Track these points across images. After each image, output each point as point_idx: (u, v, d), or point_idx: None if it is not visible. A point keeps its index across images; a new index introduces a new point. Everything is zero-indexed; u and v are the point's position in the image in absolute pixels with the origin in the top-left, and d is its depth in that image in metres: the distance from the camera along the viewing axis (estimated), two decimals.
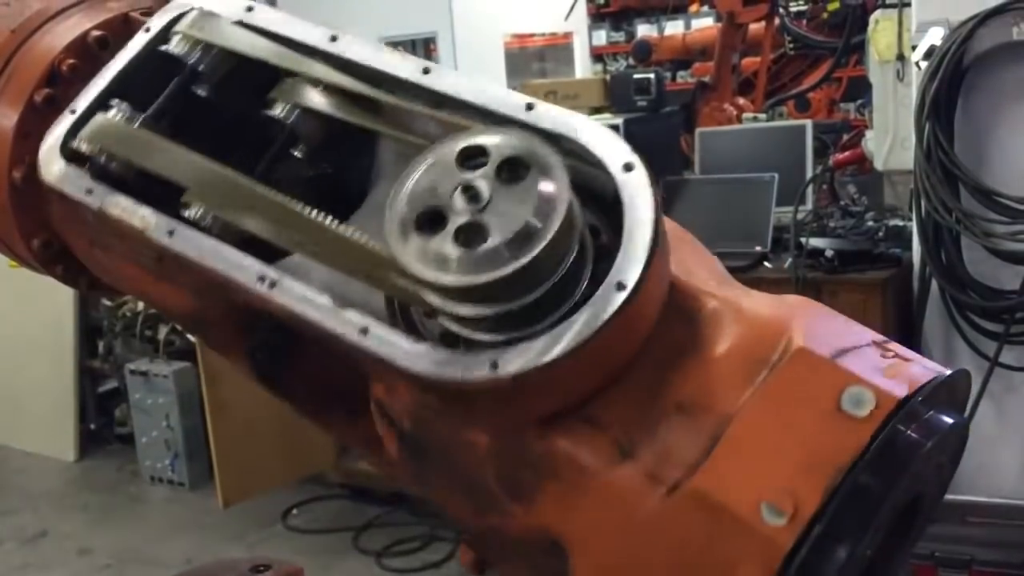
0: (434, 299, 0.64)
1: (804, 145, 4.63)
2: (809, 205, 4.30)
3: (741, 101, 6.82)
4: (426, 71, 0.75)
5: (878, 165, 4.01)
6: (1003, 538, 3.28)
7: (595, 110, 6.37)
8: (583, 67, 11.94)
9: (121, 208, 0.79)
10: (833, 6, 7.04)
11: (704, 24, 10.40)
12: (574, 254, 0.64)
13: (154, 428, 5.39)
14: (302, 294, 0.70)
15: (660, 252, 0.64)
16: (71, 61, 0.90)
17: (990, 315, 3.48)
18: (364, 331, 0.67)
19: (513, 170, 0.64)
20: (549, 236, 0.61)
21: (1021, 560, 3.15)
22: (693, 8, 11.30)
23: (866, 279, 3.81)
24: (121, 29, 0.93)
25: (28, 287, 5.55)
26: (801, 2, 7.88)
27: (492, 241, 0.61)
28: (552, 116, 0.70)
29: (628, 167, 0.66)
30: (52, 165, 0.84)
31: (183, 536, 4.85)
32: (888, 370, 0.62)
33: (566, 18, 9.53)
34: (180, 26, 0.84)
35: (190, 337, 4.78)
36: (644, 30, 11.58)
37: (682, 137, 5.97)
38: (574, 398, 0.66)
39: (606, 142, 0.68)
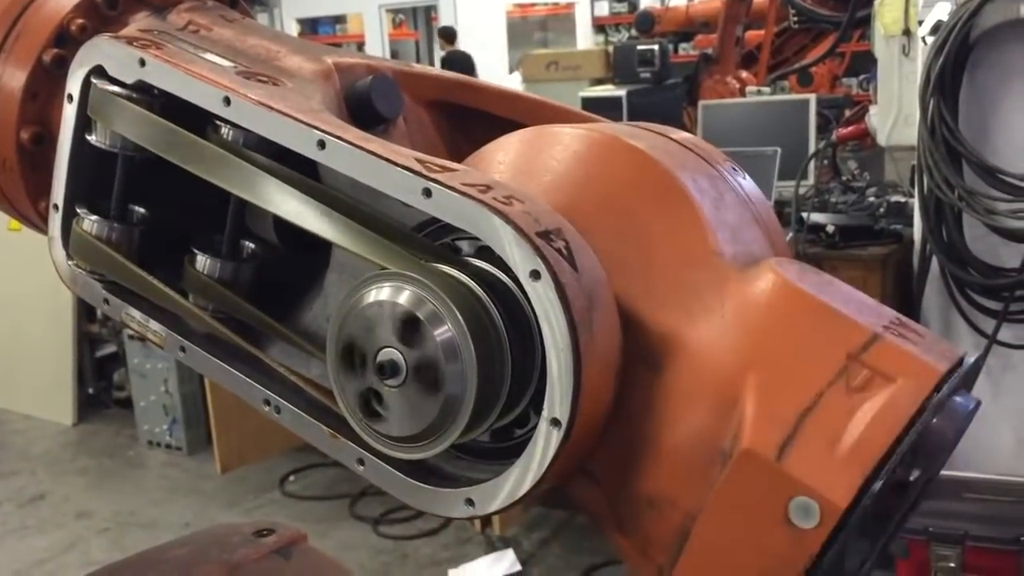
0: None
1: (807, 120, 4.61)
2: (811, 180, 4.30)
3: (744, 74, 6.79)
4: (322, 145, 0.70)
5: (881, 141, 3.99)
6: (997, 514, 3.30)
7: (597, 81, 6.34)
8: (585, 37, 11.87)
9: (136, 322, 0.84)
10: None
11: None
12: (507, 385, 0.65)
13: (152, 393, 5.40)
14: (301, 420, 0.75)
15: (590, 354, 0.62)
16: (80, 21, 0.89)
17: (990, 293, 3.48)
18: (360, 462, 0.72)
19: (416, 334, 0.64)
20: (472, 401, 0.63)
21: (1015, 536, 3.17)
22: None
23: (867, 255, 3.81)
24: None
25: (27, 251, 5.54)
26: None
27: (423, 421, 0.65)
28: (453, 205, 0.65)
29: (535, 275, 0.62)
30: (67, 273, 0.87)
31: (181, 500, 4.88)
32: (847, 439, 0.60)
33: None
34: (91, 107, 0.83)
35: None
36: (647, 1, 11.50)
37: (685, 110, 5.95)
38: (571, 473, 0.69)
39: (510, 243, 0.62)
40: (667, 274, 0.69)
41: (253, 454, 5.10)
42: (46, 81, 0.89)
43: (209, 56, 0.82)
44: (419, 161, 0.68)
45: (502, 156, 0.78)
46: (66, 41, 0.88)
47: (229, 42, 0.87)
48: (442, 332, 0.63)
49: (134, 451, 5.52)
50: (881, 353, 0.63)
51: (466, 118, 0.97)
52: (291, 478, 4.95)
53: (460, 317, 0.63)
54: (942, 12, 3.37)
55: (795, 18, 7.76)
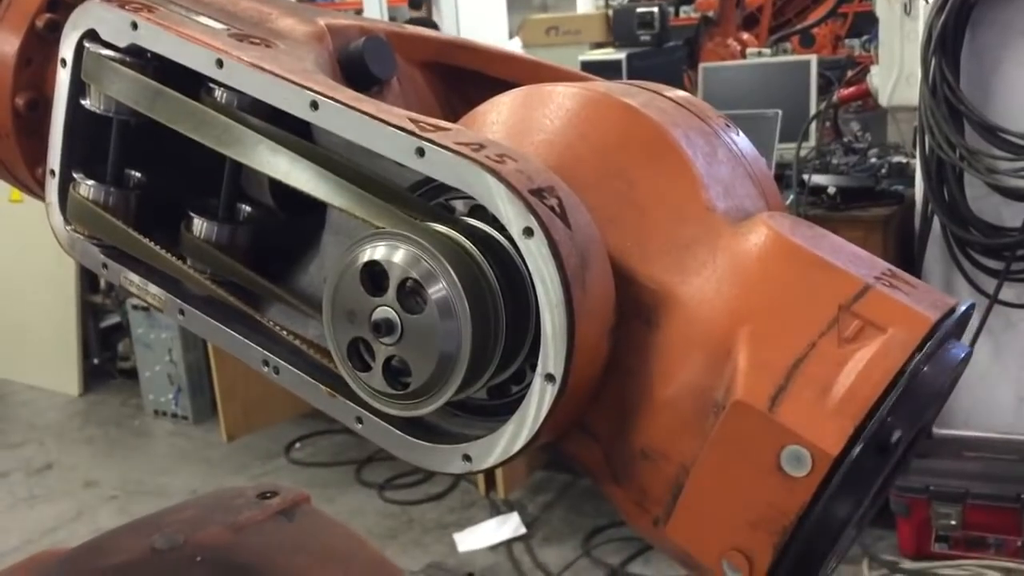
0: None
1: (808, 81, 4.58)
2: (812, 142, 4.28)
3: (745, 36, 6.74)
4: (314, 105, 0.70)
5: (883, 101, 3.98)
6: (997, 472, 3.32)
7: (597, 45, 6.30)
8: (585, 1, 11.77)
9: (136, 286, 0.84)
10: None
11: None
12: (502, 342, 0.66)
13: (157, 363, 5.43)
14: (300, 380, 0.75)
15: (583, 310, 0.63)
16: None
17: (991, 252, 3.48)
18: (359, 420, 0.72)
19: (412, 293, 0.65)
20: (467, 358, 0.64)
21: (1015, 493, 3.19)
22: None
23: (868, 216, 3.81)
24: None
25: (29, 222, 5.53)
26: None
27: (417, 379, 0.65)
28: (446, 164, 0.65)
29: (528, 232, 0.62)
30: (65, 238, 0.87)
31: (187, 469, 4.92)
32: (838, 389, 0.61)
33: None
34: (84, 71, 0.82)
35: None
36: None
37: (685, 73, 5.91)
38: (567, 428, 0.70)
39: (503, 201, 0.63)
40: (660, 230, 0.70)
41: (258, 422, 5.14)
42: (40, 46, 0.89)
43: (201, 19, 0.82)
44: (412, 120, 0.68)
45: (495, 116, 0.78)
46: (59, 6, 0.89)
47: (221, 5, 0.87)
48: (437, 290, 0.64)
49: (140, 420, 5.56)
50: (872, 303, 0.63)
51: (461, 79, 0.97)
52: (297, 445, 4.99)
53: (454, 275, 0.63)
54: None
55: None
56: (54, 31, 0.87)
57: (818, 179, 3.91)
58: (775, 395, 0.61)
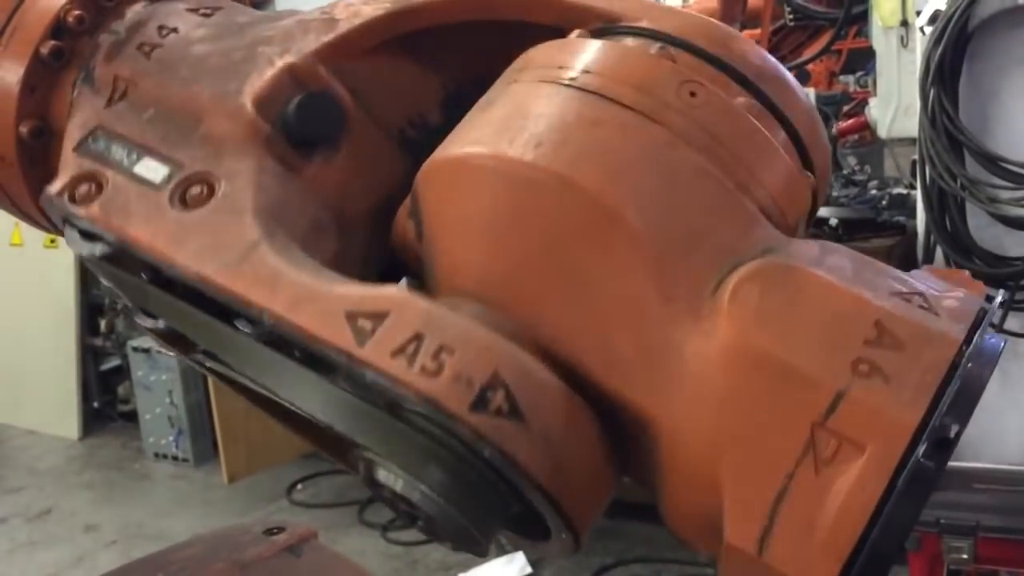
0: None
1: None
2: None
3: None
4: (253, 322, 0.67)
5: (882, 133, 3.98)
6: (1009, 504, 3.29)
7: None
8: None
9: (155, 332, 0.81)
10: None
11: None
12: (509, 508, 0.66)
13: (157, 405, 5.40)
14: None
15: (567, 491, 0.64)
16: (77, 12, 0.88)
17: (995, 282, 3.47)
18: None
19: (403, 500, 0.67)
20: (478, 529, 0.67)
21: None
22: None
23: (871, 247, 3.80)
24: None
25: (30, 266, 5.54)
26: None
27: (443, 538, 0.70)
28: (381, 385, 0.61)
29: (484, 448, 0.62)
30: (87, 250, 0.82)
31: (188, 511, 4.87)
32: (823, 523, 0.58)
33: None
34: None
35: None
36: None
37: None
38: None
39: (446, 423, 0.61)
40: (624, 340, 0.64)
41: (260, 463, 5.09)
42: (44, 74, 0.88)
43: (142, 163, 0.79)
44: (350, 318, 0.63)
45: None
46: (63, 33, 0.88)
47: (156, 105, 0.83)
48: (423, 501, 0.66)
49: (140, 464, 5.52)
50: (846, 415, 0.59)
51: (424, 38, 0.88)
52: (299, 486, 4.95)
53: (436, 493, 0.64)
54: (940, 1, 3.36)
55: (791, 16, 7.75)
56: (59, 59, 0.87)
57: (820, 211, 3.92)
58: (762, 537, 0.59)
